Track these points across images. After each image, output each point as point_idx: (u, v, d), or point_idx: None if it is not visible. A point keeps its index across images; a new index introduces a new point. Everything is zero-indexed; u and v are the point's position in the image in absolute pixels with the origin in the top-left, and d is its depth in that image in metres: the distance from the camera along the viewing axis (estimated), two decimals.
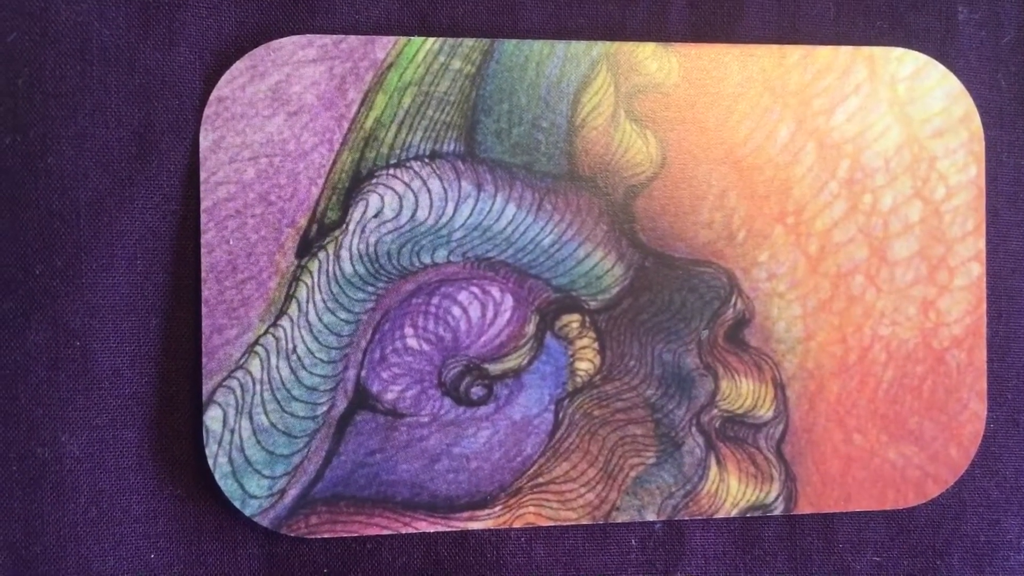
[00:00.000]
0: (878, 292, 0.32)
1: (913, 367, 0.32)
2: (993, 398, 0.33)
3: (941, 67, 0.32)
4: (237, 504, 0.29)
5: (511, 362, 0.30)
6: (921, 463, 0.32)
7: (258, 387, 0.29)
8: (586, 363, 0.31)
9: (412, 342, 0.30)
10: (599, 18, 0.31)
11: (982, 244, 0.32)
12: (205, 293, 0.29)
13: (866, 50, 0.32)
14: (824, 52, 0.32)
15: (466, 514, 0.30)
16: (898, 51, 0.32)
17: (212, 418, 0.29)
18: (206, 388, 0.29)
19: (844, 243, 0.32)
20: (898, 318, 0.32)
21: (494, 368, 0.30)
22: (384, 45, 0.30)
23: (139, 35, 0.29)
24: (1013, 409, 0.33)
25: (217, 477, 0.29)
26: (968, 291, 0.32)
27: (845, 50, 0.32)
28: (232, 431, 0.29)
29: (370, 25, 0.30)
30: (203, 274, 0.29)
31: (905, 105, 0.32)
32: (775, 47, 0.32)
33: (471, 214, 0.30)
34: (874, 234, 0.32)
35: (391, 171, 0.30)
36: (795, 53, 0.32)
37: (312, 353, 0.29)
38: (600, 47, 0.31)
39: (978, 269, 0.32)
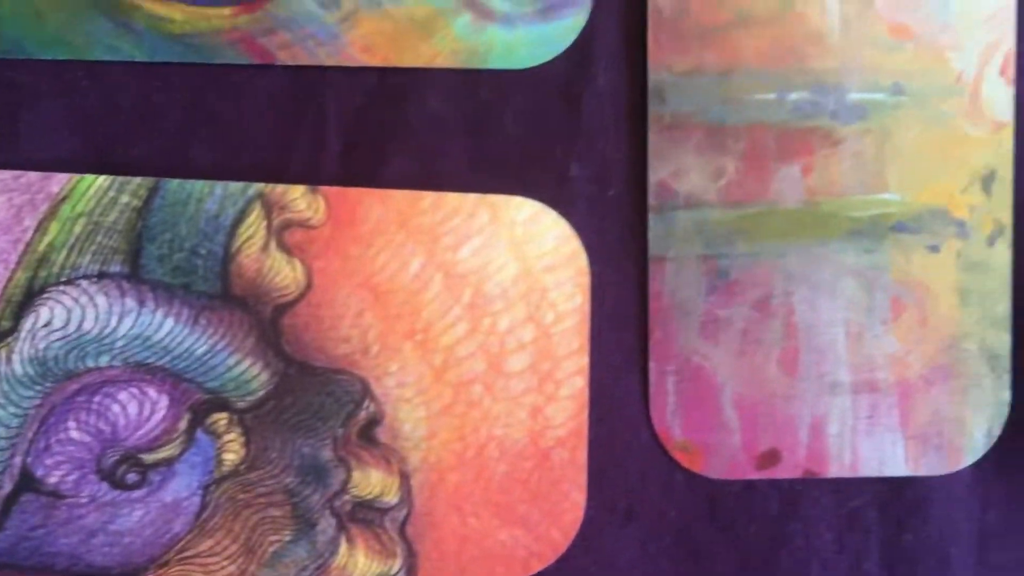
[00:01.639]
0: (494, 399, 0.39)
1: (523, 463, 0.39)
2: (593, 488, 0.40)
3: (553, 213, 0.39)
4: None
5: (164, 452, 0.36)
6: (527, 543, 0.39)
7: None
8: (232, 455, 0.37)
9: (75, 434, 0.35)
10: (261, 163, 0.38)
11: (585, 361, 0.39)
12: None
13: (490, 198, 0.39)
14: (453, 198, 0.39)
15: None
16: (516, 199, 0.39)
17: None
18: None
19: (465, 357, 0.39)
20: (511, 421, 0.39)
21: (149, 457, 0.36)
22: (59, 180, 0.35)
23: None
24: (610, 498, 0.40)
25: None
26: (572, 400, 0.39)
27: (471, 197, 0.39)
28: None
29: (51, 162, 0.36)
30: None
31: (522, 244, 0.39)
32: (411, 192, 0.38)
33: (133, 326, 0.36)
34: (492, 351, 0.39)
35: (61, 288, 0.35)
36: (428, 198, 0.39)
37: None
38: (256, 187, 0.37)
39: (581, 382, 0.40)
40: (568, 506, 0.39)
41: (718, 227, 0.40)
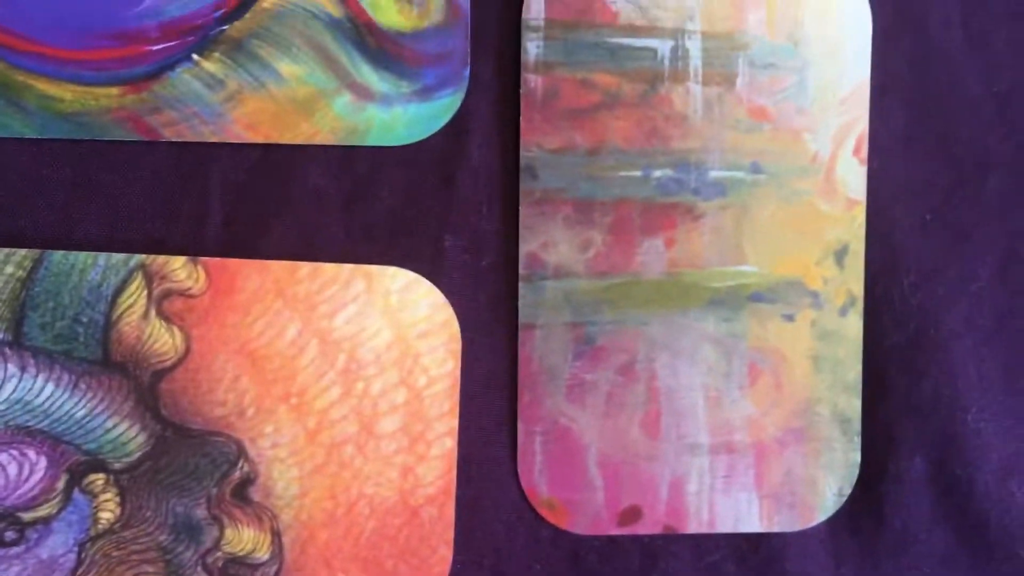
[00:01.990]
0: (365, 459, 0.41)
1: (392, 520, 0.41)
2: (460, 545, 0.42)
3: (427, 283, 0.42)
4: None
5: (42, 511, 0.38)
6: None
7: None
8: (108, 513, 0.39)
9: None
10: (145, 234, 0.40)
11: (454, 423, 0.42)
12: None
13: (364, 267, 0.41)
14: (330, 267, 0.41)
15: None
16: (392, 269, 0.41)
17: None
18: None
19: (338, 420, 0.41)
20: (381, 480, 0.41)
21: (27, 516, 0.38)
22: None
23: None
24: (478, 554, 0.42)
25: None
26: (442, 460, 0.42)
27: (347, 267, 0.41)
28: None
29: None
30: None
31: (396, 312, 0.41)
32: (289, 263, 0.41)
33: (14, 391, 0.38)
34: (364, 413, 0.41)
35: None
36: (305, 268, 0.41)
37: None
38: (137, 258, 0.39)
39: (451, 443, 0.42)
40: (436, 561, 0.42)
41: (585, 296, 0.43)
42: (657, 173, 0.42)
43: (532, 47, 0.41)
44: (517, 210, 0.42)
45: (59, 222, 0.38)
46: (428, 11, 0.40)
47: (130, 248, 0.39)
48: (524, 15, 0.41)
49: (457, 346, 0.41)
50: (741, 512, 0.44)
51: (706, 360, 0.43)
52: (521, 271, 0.42)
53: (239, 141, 0.40)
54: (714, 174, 0.42)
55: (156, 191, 0.40)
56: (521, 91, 0.41)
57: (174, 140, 0.40)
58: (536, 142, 0.42)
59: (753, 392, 0.43)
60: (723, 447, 0.43)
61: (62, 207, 0.39)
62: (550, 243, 0.42)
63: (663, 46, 0.42)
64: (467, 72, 0.41)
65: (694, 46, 0.42)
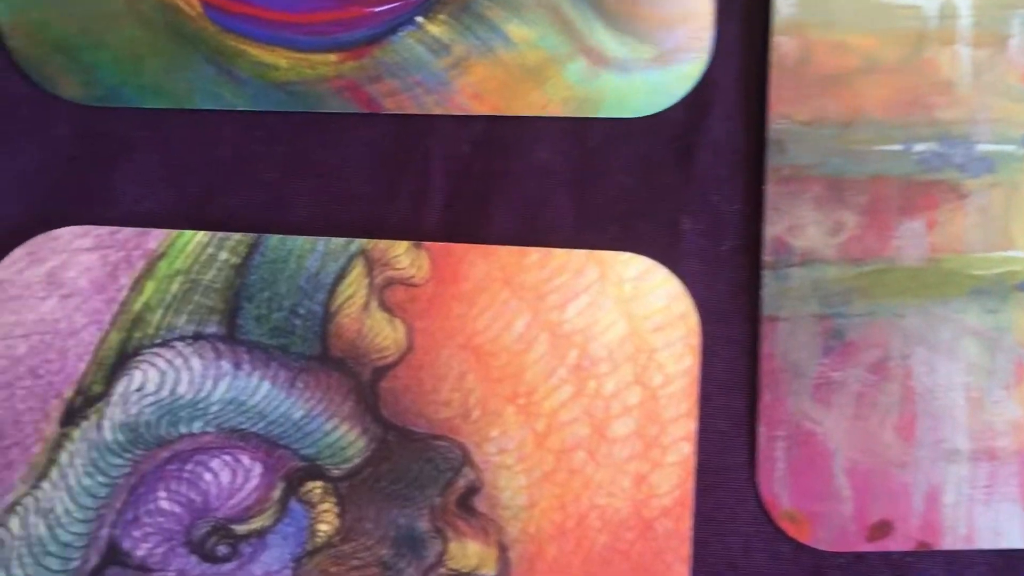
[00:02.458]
0: (597, 466, 0.37)
1: (624, 533, 0.37)
2: (697, 560, 0.38)
3: (664, 270, 0.37)
4: None
5: (256, 523, 0.34)
6: None
7: (16, 543, 0.32)
8: (326, 525, 0.35)
9: (164, 504, 0.34)
10: (361, 215, 0.36)
11: (693, 426, 0.37)
12: None
13: (597, 253, 0.37)
14: (559, 254, 0.37)
15: None
16: (626, 255, 0.37)
17: None
18: None
19: (569, 422, 0.37)
20: (614, 490, 0.37)
21: (240, 528, 0.34)
22: (157, 236, 0.34)
23: None
24: (714, 570, 0.38)
25: None
26: (678, 467, 0.37)
27: (578, 253, 0.37)
28: None
29: (148, 215, 0.34)
30: None
31: (630, 303, 0.37)
32: (516, 248, 0.36)
33: (228, 390, 0.34)
34: (596, 415, 0.37)
35: (156, 349, 0.33)
36: (534, 254, 0.36)
37: (69, 512, 0.33)
38: (357, 244, 0.35)
39: (688, 448, 0.37)
40: None
41: (835, 285, 0.38)
42: (919, 147, 0.37)
43: (783, 6, 0.37)
44: (761, 189, 0.37)
45: (271, 203, 0.34)
46: None
47: (346, 231, 0.35)
48: None
49: (696, 341, 0.37)
50: (1002, 526, 0.39)
51: (967, 356, 0.38)
52: (765, 257, 0.37)
53: (463, 113, 0.36)
54: (982, 148, 0.37)
55: (373, 168, 0.36)
56: (770, 56, 0.36)
57: (394, 112, 0.35)
58: (785, 113, 0.37)
59: (1019, 392, 0.38)
60: (984, 453, 0.38)
61: (275, 186, 0.35)
62: (797, 226, 0.37)
63: (929, 3, 0.37)
64: (711, 35, 0.36)
65: (964, 3, 0.37)
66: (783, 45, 0.37)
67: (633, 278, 0.37)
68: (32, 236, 0.32)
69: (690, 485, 0.37)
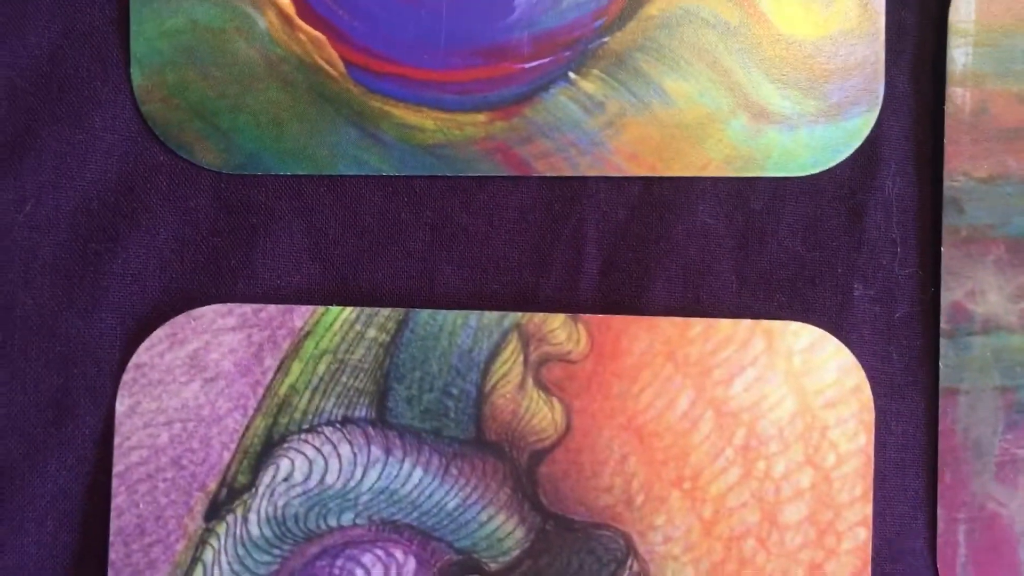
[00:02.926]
0: (768, 555, 0.34)
1: None
2: None
3: (835, 340, 0.34)
4: None
5: None
6: None
7: None
8: None
9: None
10: (513, 285, 0.33)
11: (869, 510, 0.34)
12: (112, 556, 0.29)
13: (765, 323, 0.34)
14: (725, 324, 0.34)
15: None
16: (795, 325, 0.34)
17: None
18: None
19: (737, 507, 0.33)
20: None
21: None
22: (302, 314, 0.31)
23: (62, 303, 0.30)
24: None
25: None
26: (854, 554, 0.34)
27: (745, 323, 0.34)
28: None
29: (291, 290, 0.31)
30: (111, 537, 0.29)
31: (800, 376, 0.34)
32: (679, 319, 0.33)
33: (379, 478, 0.31)
34: (766, 499, 0.34)
35: (303, 436, 0.31)
36: (698, 325, 0.34)
37: None
38: (512, 318, 0.32)
39: (864, 534, 0.34)
40: None
41: (1019, 355, 0.35)
42: None
43: (959, 55, 0.34)
44: (938, 251, 0.34)
45: (418, 273, 0.32)
46: (838, 13, 0.33)
47: (496, 302, 0.32)
48: (951, 17, 0.33)
49: (870, 417, 0.34)
50: None
51: None
52: (943, 325, 0.34)
53: (619, 174, 0.33)
54: None
55: (525, 235, 0.33)
56: (945, 108, 0.34)
57: (546, 175, 0.33)
58: (962, 169, 0.34)
59: None
60: None
61: (421, 256, 0.32)
62: (978, 291, 0.34)
63: None
64: (881, 87, 0.33)
65: None
66: (958, 97, 0.34)
67: (802, 350, 0.34)
68: (173, 316, 0.30)
69: (867, 574, 0.34)
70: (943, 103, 0.34)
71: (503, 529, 0.32)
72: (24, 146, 0.31)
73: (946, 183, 0.34)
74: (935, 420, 0.35)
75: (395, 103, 0.32)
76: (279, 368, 0.31)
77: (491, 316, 0.32)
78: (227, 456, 0.30)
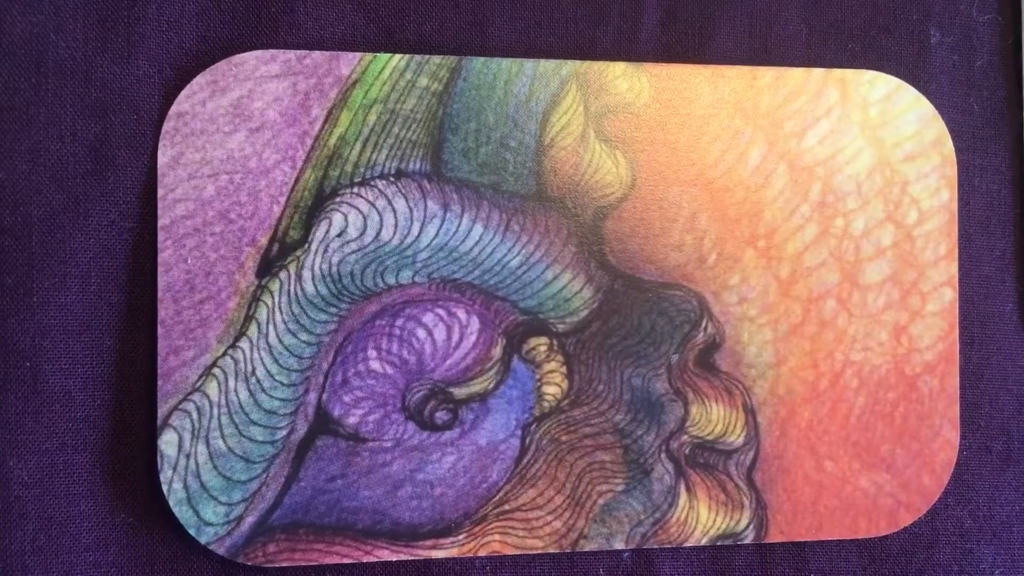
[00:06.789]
0: (849, 317, 0.32)
1: (885, 393, 0.32)
2: (966, 425, 0.32)
3: (913, 90, 0.32)
4: (192, 532, 0.28)
5: (477, 386, 0.30)
6: (893, 491, 0.32)
7: (215, 411, 0.28)
8: (554, 387, 0.30)
9: (375, 365, 0.29)
10: (569, 36, 0.31)
11: (954, 269, 0.32)
12: (161, 313, 0.28)
13: (838, 72, 0.32)
14: (796, 74, 0.31)
15: (430, 542, 0.29)
16: (870, 74, 0.32)
17: (167, 443, 0.28)
18: (161, 411, 0.28)
19: (815, 267, 0.31)
20: (870, 343, 0.32)
21: (459, 392, 0.29)
22: (349, 61, 0.29)
23: (96, 48, 0.28)
24: (986, 436, 0.33)
25: (171, 504, 0.28)
26: (940, 317, 0.32)
27: (817, 72, 0.32)
28: (188, 456, 0.28)
29: (335, 41, 0.29)
30: (160, 294, 0.28)
31: (877, 128, 0.32)
32: (746, 68, 0.31)
33: (437, 234, 0.29)
34: (846, 258, 0.32)
35: (355, 190, 0.29)
36: (767, 75, 0.31)
37: (272, 376, 0.28)
38: (570, 66, 0.30)
39: (950, 294, 0.32)
40: (939, 446, 0.32)
41: None
42: None
43: None
44: None
45: (468, 25, 0.30)
46: None
47: (551, 56, 0.30)
48: None
49: (952, 171, 0.32)
50: None
51: None
52: None
53: None
54: None
55: None
56: None
57: None
58: None
59: None
60: None
61: (471, 6, 0.30)
62: None
63: None
64: None
65: None
66: None
67: (879, 100, 0.32)
68: (213, 63, 0.28)
69: (955, 337, 0.32)
70: None
71: (569, 288, 0.30)
72: None
73: None
74: (1022, 176, 0.32)
75: None
76: (327, 118, 0.29)
77: (548, 64, 0.30)
78: (277, 210, 0.28)
